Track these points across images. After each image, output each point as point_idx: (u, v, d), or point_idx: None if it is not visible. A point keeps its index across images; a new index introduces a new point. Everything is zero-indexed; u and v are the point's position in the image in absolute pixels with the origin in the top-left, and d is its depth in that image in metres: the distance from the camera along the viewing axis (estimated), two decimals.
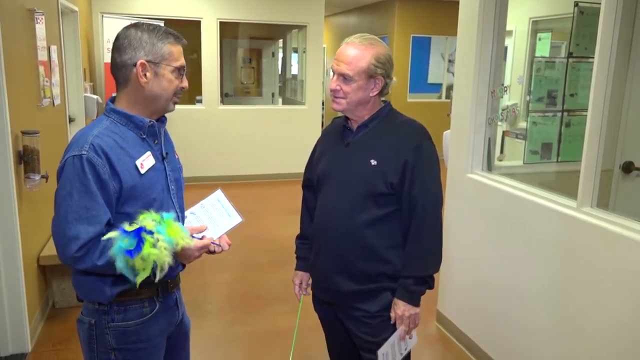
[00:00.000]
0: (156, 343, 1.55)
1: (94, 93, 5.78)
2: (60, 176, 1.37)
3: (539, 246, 2.37)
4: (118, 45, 1.42)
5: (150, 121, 1.46)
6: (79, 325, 1.52)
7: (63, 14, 4.43)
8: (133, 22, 1.50)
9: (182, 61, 1.46)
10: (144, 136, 1.46)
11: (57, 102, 3.85)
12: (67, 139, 4.29)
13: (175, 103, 1.50)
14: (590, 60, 2.09)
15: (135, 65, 1.40)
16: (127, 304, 1.47)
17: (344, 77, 1.66)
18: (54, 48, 3.79)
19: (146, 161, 1.44)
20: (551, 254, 2.29)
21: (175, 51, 1.44)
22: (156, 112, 1.49)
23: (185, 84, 1.49)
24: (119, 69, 1.43)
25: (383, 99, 1.79)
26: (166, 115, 1.55)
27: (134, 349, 1.49)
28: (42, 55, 3.44)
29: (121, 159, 1.38)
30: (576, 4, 2.87)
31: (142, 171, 1.42)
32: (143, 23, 1.45)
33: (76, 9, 4.86)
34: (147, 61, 1.40)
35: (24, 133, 2.89)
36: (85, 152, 1.33)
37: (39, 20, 3.36)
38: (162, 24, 6.53)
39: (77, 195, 1.32)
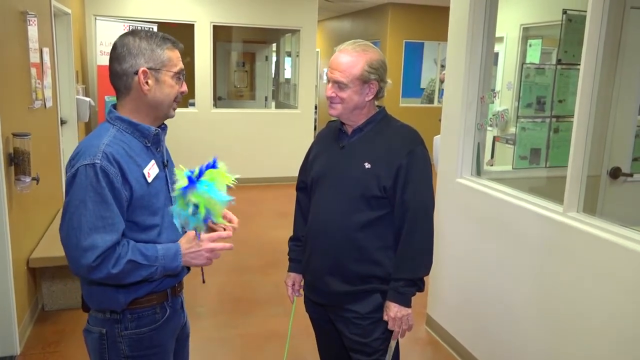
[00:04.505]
0: (167, 347, 1.56)
1: (87, 96, 5.76)
2: (70, 185, 1.34)
3: (526, 251, 2.40)
4: (117, 55, 1.41)
5: (156, 129, 1.47)
6: (86, 335, 1.51)
7: (56, 16, 4.42)
8: (127, 26, 1.50)
9: (180, 65, 1.47)
10: (149, 144, 1.47)
11: (49, 104, 3.84)
12: (59, 142, 4.28)
13: (175, 109, 1.50)
14: (579, 67, 2.13)
15: (136, 73, 1.39)
16: (139, 311, 1.47)
17: (339, 84, 1.69)
18: (46, 50, 3.79)
19: (152, 170, 1.44)
20: (538, 259, 2.32)
21: (174, 56, 1.44)
22: (158, 119, 1.49)
23: (184, 88, 1.49)
24: (120, 78, 1.42)
25: (378, 103, 1.82)
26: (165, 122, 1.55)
27: (148, 354, 1.50)
28: (34, 58, 3.44)
29: (131, 168, 1.38)
30: (564, 12, 2.91)
31: (149, 180, 1.43)
32: (140, 30, 1.46)
33: (69, 11, 4.85)
34: (148, 68, 1.40)
35: (14, 135, 2.88)
36: (98, 161, 1.32)
37: (31, 22, 3.35)
38: (155, 27, 6.51)
39: (92, 204, 1.31)
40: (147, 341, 1.49)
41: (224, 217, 1.56)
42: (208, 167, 1.43)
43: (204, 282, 1.66)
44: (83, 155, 1.35)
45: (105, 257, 1.31)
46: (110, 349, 1.47)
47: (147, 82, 1.41)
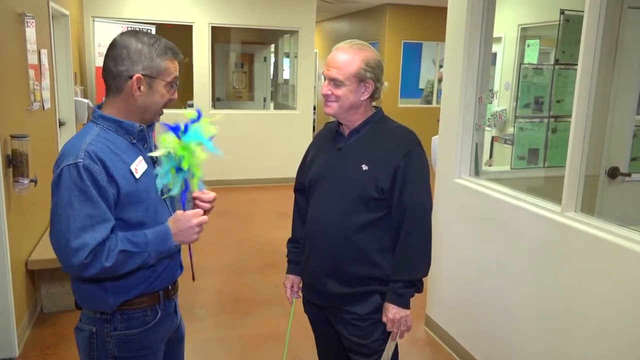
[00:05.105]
0: (157, 350, 1.56)
1: (85, 97, 5.76)
2: (56, 187, 1.34)
3: (525, 251, 2.40)
4: (115, 55, 1.40)
5: (140, 126, 1.46)
6: (77, 333, 1.51)
7: (54, 18, 4.42)
8: (125, 28, 1.49)
9: (175, 74, 1.46)
10: (134, 141, 1.46)
11: (47, 106, 3.84)
12: (57, 143, 4.27)
13: (161, 114, 1.51)
14: (576, 67, 2.13)
15: (131, 77, 1.39)
16: (130, 312, 1.47)
17: (335, 82, 1.69)
18: (44, 52, 3.78)
19: (139, 166, 1.44)
20: (537, 259, 2.32)
21: (171, 66, 1.44)
22: (144, 121, 1.49)
23: (175, 96, 1.49)
24: (113, 78, 1.41)
25: (374, 104, 1.82)
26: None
27: (136, 356, 1.50)
28: (33, 59, 3.43)
29: (116, 165, 1.38)
30: (562, 12, 2.92)
31: (137, 176, 1.42)
32: (143, 33, 1.44)
33: (67, 13, 4.85)
34: (144, 75, 1.40)
35: (13, 137, 2.88)
36: (81, 160, 1.32)
37: (29, 24, 3.35)
38: (153, 28, 6.48)
39: (78, 204, 1.31)
40: (136, 343, 1.48)
41: (200, 199, 1.59)
42: (193, 121, 1.49)
43: (194, 279, 1.67)
44: (66, 156, 1.35)
45: (97, 252, 1.31)
46: (99, 348, 1.47)
47: (139, 88, 1.40)
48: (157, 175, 1.46)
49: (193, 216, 1.47)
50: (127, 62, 1.39)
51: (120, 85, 1.41)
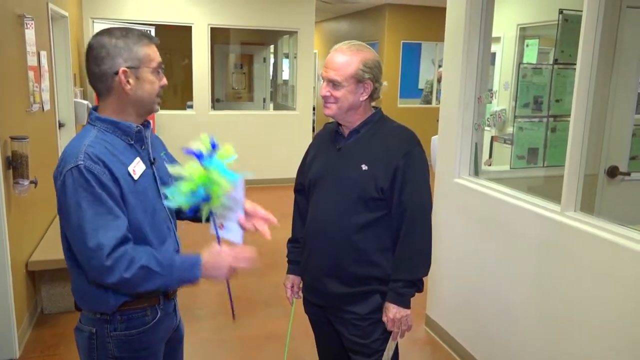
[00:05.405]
0: (157, 350, 1.56)
1: (84, 98, 5.76)
2: (62, 193, 1.33)
3: (525, 250, 2.41)
4: (95, 56, 1.39)
5: (137, 126, 1.46)
6: (77, 333, 1.51)
7: (53, 20, 4.42)
8: (105, 28, 1.48)
9: (158, 59, 1.46)
10: (132, 142, 1.46)
11: (47, 107, 3.84)
12: (57, 145, 4.28)
13: (158, 103, 1.49)
14: (575, 66, 2.14)
15: (116, 73, 1.38)
16: (129, 313, 1.46)
17: (333, 83, 1.69)
18: (43, 53, 3.79)
19: (137, 167, 1.43)
20: (537, 258, 2.33)
21: (151, 52, 1.43)
22: (142, 115, 1.48)
23: (164, 81, 1.48)
24: (99, 80, 1.40)
25: (374, 104, 1.82)
26: (153, 119, 1.54)
27: (136, 356, 1.50)
28: (32, 61, 3.44)
29: (116, 166, 1.37)
30: (561, 12, 2.92)
31: (135, 177, 1.42)
32: (115, 28, 1.44)
33: (66, 14, 4.85)
34: (128, 67, 1.39)
35: (12, 138, 2.88)
36: (82, 162, 1.31)
37: (28, 26, 3.35)
38: (152, 29, 6.46)
39: (87, 205, 1.30)
40: (136, 343, 1.48)
41: (255, 215, 1.64)
42: (214, 147, 1.52)
43: (234, 317, 1.68)
44: (67, 160, 1.34)
45: (117, 259, 1.30)
46: (99, 349, 1.46)
47: (128, 82, 1.40)
48: (179, 191, 1.47)
49: (231, 256, 1.46)
50: (108, 59, 1.38)
51: (109, 84, 1.40)
